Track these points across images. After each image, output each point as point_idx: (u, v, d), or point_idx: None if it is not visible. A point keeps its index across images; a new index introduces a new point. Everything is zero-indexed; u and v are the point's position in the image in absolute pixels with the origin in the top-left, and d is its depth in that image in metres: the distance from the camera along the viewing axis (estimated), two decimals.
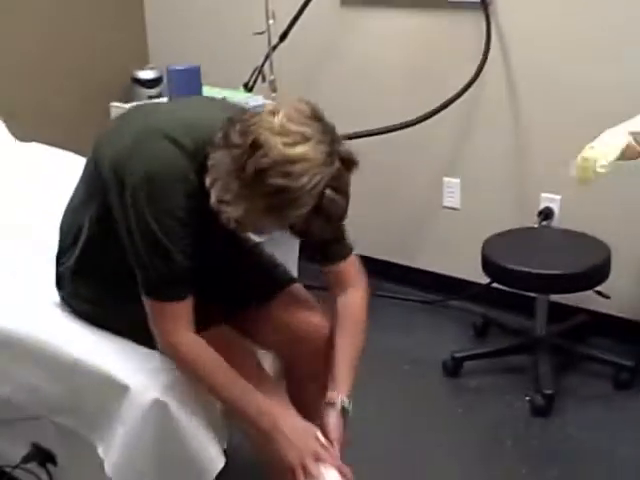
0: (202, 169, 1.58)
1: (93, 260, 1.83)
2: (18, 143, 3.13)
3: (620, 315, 3.00)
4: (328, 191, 1.50)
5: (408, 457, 2.47)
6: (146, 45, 3.99)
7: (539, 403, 2.62)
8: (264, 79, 3.25)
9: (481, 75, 2.99)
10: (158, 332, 1.69)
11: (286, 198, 1.48)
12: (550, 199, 3.04)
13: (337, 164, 1.51)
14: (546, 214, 3.05)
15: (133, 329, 1.78)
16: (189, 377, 1.71)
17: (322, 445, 1.70)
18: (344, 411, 1.76)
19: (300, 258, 2.87)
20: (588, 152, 2.14)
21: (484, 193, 3.21)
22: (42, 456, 1.96)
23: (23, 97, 3.49)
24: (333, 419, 1.75)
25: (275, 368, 1.98)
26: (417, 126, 3.09)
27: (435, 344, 3.06)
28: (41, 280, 2.02)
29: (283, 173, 1.46)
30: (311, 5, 3.20)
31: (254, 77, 3.31)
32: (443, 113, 3.06)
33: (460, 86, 3.01)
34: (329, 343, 1.84)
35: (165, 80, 3.32)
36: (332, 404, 1.76)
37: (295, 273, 2.49)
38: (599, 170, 2.08)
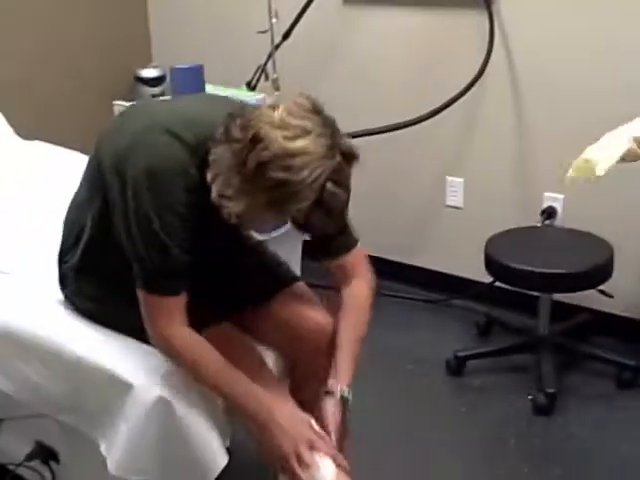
0: (203, 164, 1.58)
1: (95, 260, 1.83)
2: (21, 141, 3.13)
3: (623, 314, 3.00)
4: (329, 184, 1.49)
5: (411, 456, 2.47)
6: (149, 44, 3.99)
7: (542, 402, 2.62)
8: (267, 78, 3.26)
9: (484, 74, 2.99)
10: (151, 325, 1.69)
11: (287, 192, 1.47)
12: (553, 198, 3.04)
13: (338, 157, 1.51)
14: (549, 213, 3.04)
15: (136, 327, 1.78)
16: (182, 369, 1.70)
17: (316, 433, 1.70)
18: (343, 400, 1.76)
19: (303, 257, 2.89)
20: (589, 154, 2.14)
21: (487, 192, 3.21)
22: (45, 454, 1.97)
23: (26, 96, 3.49)
24: (331, 407, 1.75)
25: (279, 367, 1.98)
26: (420, 125, 3.09)
27: (438, 343, 3.06)
28: (44, 278, 2.02)
29: (283, 167, 1.46)
30: (314, 4, 3.20)
31: (257, 76, 3.32)
32: (446, 112, 3.06)
33: (463, 85, 3.01)
34: (332, 341, 1.84)
35: (169, 79, 3.33)
36: (331, 393, 1.76)
37: (298, 272, 2.50)
38: (598, 174, 2.08)
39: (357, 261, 1.86)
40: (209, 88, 3.10)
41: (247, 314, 1.90)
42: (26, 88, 3.50)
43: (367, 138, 2.96)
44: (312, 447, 1.67)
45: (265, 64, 3.27)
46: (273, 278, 1.95)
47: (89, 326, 1.88)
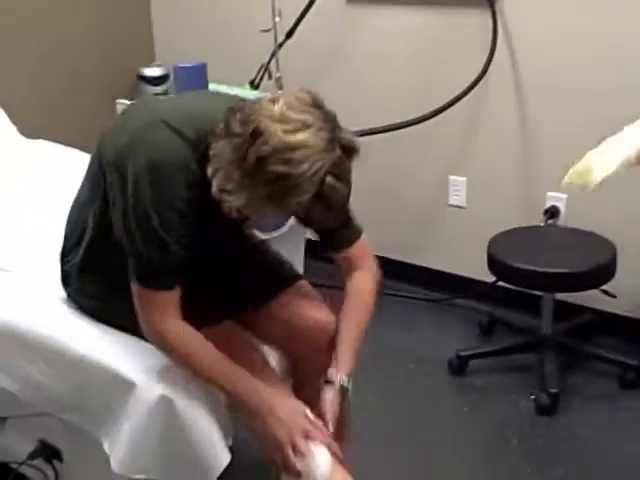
0: (204, 159, 1.58)
1: (98, 259, 1.83)
2: (24, 140, 3.13)
3: (626, 314, 3.00)
4: (329, 178, 1.49)
5: (413, 455, 2.47)
6: (152, 42, 3.99)
7: (544, 402, 2.62)
8: (270, 76, 3.26)
9: (488, 73, 2.99)
10: (145, 320, 1.69)
11: (287, 185, 1.48)
12: (556, 198, 3.04)
13: (338, 151, 1.51)
14: (552, 213, 3.04)
15: (139, 325, 1.78)
16: (177, 363, 1.70)
17: (312, 423, 1.70)
18: (343, 390, 1.76)
19: (306, 256, 2.89)
20: (589, 159, 2.13)
21: (490, 191, 3.21)
22: (48, 452, 1.97)
23: (29, 95, 3.49)
24: (329, 396, 1.75)
25: (281, 366, 1.98)
26: (423, 124, 3.09)
27: (440, 342, 3.05)
28: (47, 277, 2.03)
29: (283, 160, 1.46)
30: (317, 3, 3.20)
31: (260, 74, 3.32)
32: (449, 111, 3.06)
33: (466, 84, 3.01)
34: (334, 339, 1.83)
35: (172, 77, 3.33)
36: (331, 382, 1.76)
37: (301, 270, 2.50)
38: (594, 182, 2.07)
39: (362, 254, 1.87)
40: (212, 87, 3.10)
41: (249, 313, 1.90)
42: (29, 87, 3.50)
43: (370, 137, 2.95)
44: (307, 436, 1.68)
45: (268, 63, 3.27)
46: (276, 277, 1.95)
47: (92, 324, 1.88)
